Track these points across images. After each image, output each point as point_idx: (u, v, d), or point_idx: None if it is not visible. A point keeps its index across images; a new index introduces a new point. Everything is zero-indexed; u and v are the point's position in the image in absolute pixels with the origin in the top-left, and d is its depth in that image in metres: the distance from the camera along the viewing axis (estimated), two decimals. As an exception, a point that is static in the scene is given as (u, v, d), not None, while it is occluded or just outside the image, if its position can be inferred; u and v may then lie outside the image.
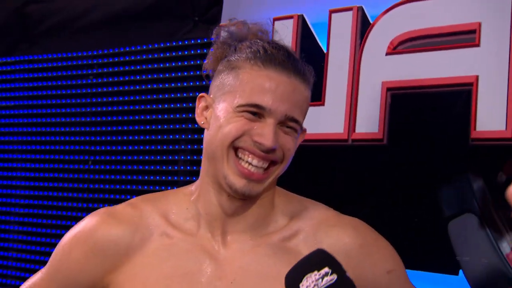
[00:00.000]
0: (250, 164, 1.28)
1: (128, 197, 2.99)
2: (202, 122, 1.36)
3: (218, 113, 1.31)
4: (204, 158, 1.37)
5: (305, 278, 1.02)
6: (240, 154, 1.28)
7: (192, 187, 1.42)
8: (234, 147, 1.29)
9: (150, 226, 1.38)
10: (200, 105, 1.37)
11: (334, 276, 1.01)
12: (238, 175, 1.28)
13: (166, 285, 1.32)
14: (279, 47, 1.32)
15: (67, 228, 3.34)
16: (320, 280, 1.01)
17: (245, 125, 1.27)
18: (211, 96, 1.35)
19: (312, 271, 1.03)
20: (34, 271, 1.54)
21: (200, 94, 1.37)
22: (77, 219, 3.32)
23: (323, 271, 1.02)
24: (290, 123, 1.29)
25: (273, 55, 1.29)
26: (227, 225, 1.36)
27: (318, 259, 1.05)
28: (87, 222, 1.42)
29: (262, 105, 1.26)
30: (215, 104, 1.33)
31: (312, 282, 1.02)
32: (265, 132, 1.26)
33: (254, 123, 1.27)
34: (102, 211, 1.44)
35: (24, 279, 1.54)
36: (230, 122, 1.28)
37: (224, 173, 1.29)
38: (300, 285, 1.02)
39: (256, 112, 1.27)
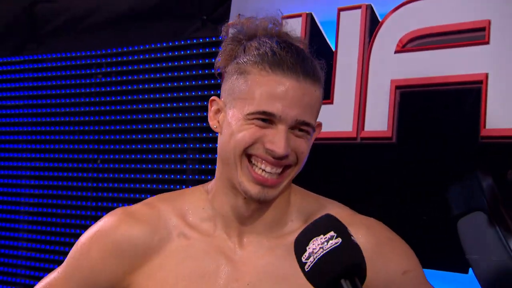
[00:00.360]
0: (263, 170, 1.28)
1: (137, 196, 3.01)
2: (215, 126, 1.35)
3: (230, 119, 1.30)
4: (219, 161, 1.37)
5: (311, 241, 1.05)
6: (253, 161, 1.28)
7: (208, 186, 1.42)
8: (247, 154, 1.28)
9: (168, 226, 1.38)
10: (212, 108, 1.36)
11: (339, 240, 1.03)
12: (252, 182, 1.28)
13: (184, 286, 1.32)
14: (287, 48, 1.30)
15: (77, 227, 3.36)
16: (325, 243, 1.03)
17: (256, 133, 1.27)
18: (222, 99, 1.35)
19: (318, 235, 1.05)
20: (49, 270, 1.53)
21: (212, 98, 1.37)
22: (86, 218, 3.33)
23: (328, 235, 1.04)
24: (302, 126, 1.29)
25: (281, 58, 1.27)
26: (243, 227, 1.36)
27: (325, 224, 1.08)
28: (105, 222, 1.42)
29: (273, 112, 1.25)
30: (226, 108, 1.32)
31: (318, 245, 1.04)
32: (277, 140, 1.26)
33: (265, 129, 1.27)
34: (119, 211, 1.43)
35: (38, 279, 1.53)
36: (241, 130, 1.27)
37: (239, 179, 1.29)
38: (307, 248, 1.04)
39: (266, 119, 1.26)
